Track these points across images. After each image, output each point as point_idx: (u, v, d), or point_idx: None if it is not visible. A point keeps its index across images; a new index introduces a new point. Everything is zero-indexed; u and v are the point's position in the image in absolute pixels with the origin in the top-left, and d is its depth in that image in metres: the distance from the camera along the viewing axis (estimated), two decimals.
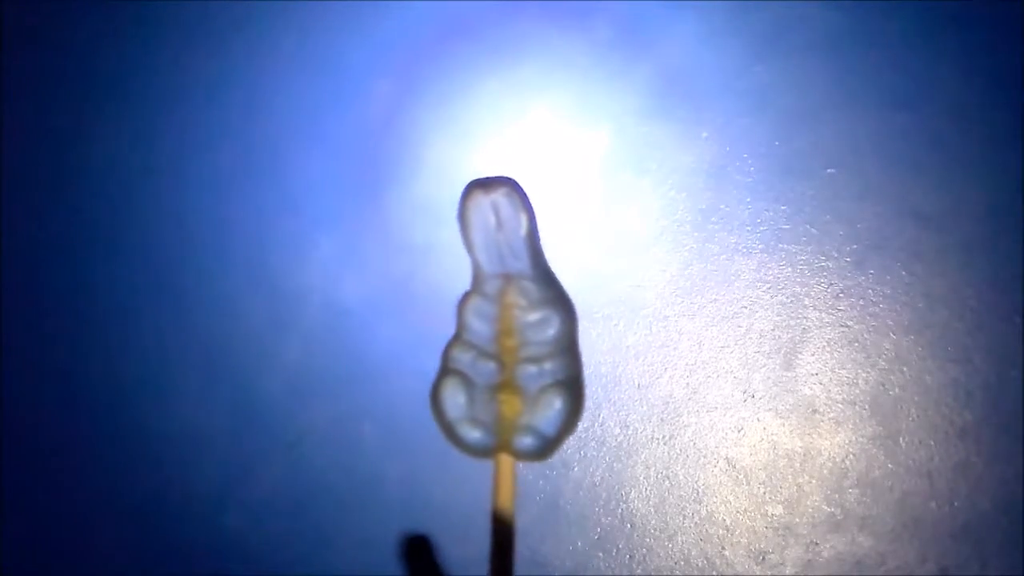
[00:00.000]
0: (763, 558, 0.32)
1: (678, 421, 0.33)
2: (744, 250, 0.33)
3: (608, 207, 0.33)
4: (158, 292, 0.34)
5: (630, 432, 0.33)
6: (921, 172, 0.32)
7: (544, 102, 0.33)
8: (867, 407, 0.32)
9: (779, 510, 0.32)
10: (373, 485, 0.33)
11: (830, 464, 0.32)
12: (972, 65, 0.32)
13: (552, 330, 0.33)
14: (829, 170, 0.32)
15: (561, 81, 0.33)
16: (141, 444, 0.34)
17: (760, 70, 0.33)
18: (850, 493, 0.32)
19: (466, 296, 0.34)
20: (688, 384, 0.33)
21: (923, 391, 0.32)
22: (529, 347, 0.33)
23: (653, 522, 0.32)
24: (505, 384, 0.33)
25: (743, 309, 0.33)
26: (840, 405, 0.32)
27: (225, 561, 0.33)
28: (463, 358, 0.34)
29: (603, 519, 0.33)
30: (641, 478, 0.33)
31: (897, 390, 0.32)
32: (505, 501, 0.31)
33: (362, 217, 0.34)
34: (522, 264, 0.34)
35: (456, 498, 0.32)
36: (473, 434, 0.33)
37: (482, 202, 0.33)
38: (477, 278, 0.34)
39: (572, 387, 0.33)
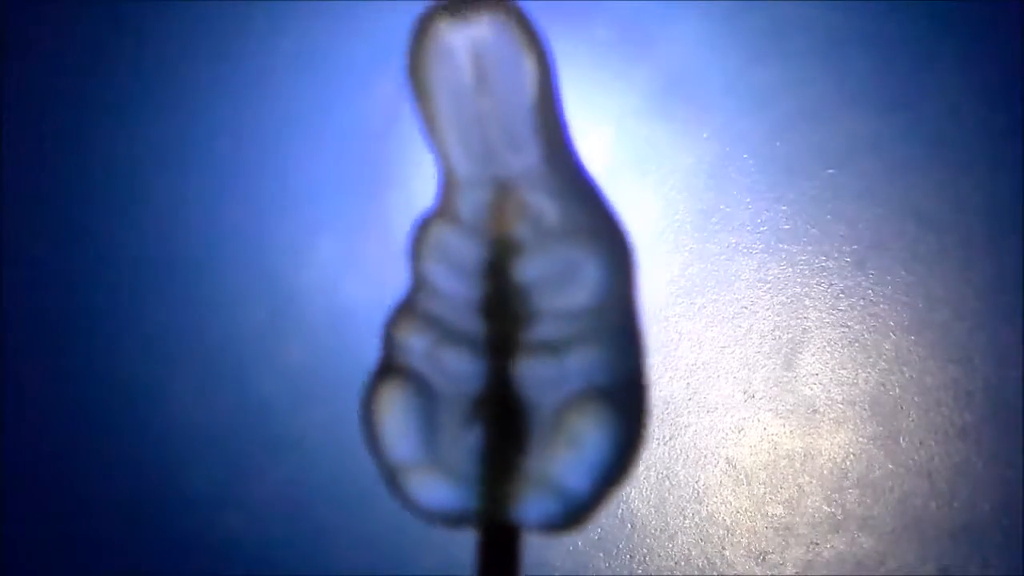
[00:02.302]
0: (763, 558, 0.32)
1: (678, 421, 0.33)
2: (744, 250, 0.33)
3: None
4: (158, 292, 0.34)
5: None
6: (921, 172, 0.32)
7: None
8: (867, 407, 0.32)
9: (779, 510, 0.32)
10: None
11: (830, 464, 0.32)
12: (972, 65, 0.32)
13: (586, 288, 0.19)
14: (829, 170, 0.32)
15: (561, 81, 0.33)
16: (141, 444, 0.34)
17: (760, 70, 0.33)
18: (850, 493, 0.32)
19: (426, 224, 0.19)
20: (688, 384, 0.33)
21: (923, 391, 0.32)
22: (543, 322, 0.18)
23: (653, 522, 0.32)
24: (497, 394, 0.18)
25: (743, 309, 0.33)
26: (840, 405, 0.32)
27: (225, 561, 0.33)
28: (417, 345, 0.19)
29: (603, 519, 0.33)
30: (641, 478, 0.33)
31: (897, 390, 0.32)
32: None
33: (362, 218, 0.34)
34: (528, 159, 0.19)
35: None
36: (436, 490, 0.19)
37: (454, 44, 0.18)
38: (447, 190, 0.19)
39: (622, 399, 0.18)
